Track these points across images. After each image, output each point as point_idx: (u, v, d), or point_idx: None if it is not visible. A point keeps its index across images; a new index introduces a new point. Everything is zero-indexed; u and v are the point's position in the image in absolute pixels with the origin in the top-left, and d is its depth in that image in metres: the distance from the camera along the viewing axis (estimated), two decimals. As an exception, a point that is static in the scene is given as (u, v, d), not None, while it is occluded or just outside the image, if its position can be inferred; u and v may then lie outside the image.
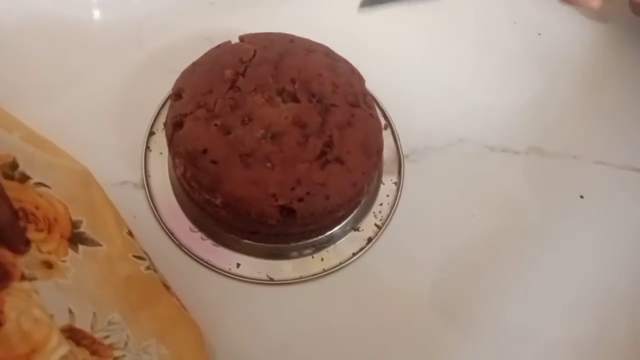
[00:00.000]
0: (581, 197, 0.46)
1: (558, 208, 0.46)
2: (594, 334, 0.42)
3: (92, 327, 0.30)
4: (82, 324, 0.30)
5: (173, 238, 0.41)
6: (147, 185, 0.43)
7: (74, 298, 0.31)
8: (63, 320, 0.29)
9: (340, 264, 0.42)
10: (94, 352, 0.29)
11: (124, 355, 0.31)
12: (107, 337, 0.31)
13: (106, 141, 0.44)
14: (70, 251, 0.34)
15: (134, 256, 0.37)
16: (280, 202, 0.37)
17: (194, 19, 0.50)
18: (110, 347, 0.30)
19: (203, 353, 0.35)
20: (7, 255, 0.28)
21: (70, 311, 0.30)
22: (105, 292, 0.33)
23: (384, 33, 0.51)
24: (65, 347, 0.27)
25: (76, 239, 0.35)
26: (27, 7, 0.48)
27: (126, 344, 0.31)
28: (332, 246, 0.43)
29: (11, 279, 0.28)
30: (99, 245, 0.35)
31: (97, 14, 0.50)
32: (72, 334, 0.29)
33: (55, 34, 0.48)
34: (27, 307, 0.27)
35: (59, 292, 0.30)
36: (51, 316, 0.28)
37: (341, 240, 0.43)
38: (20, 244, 0.30)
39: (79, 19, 0.49)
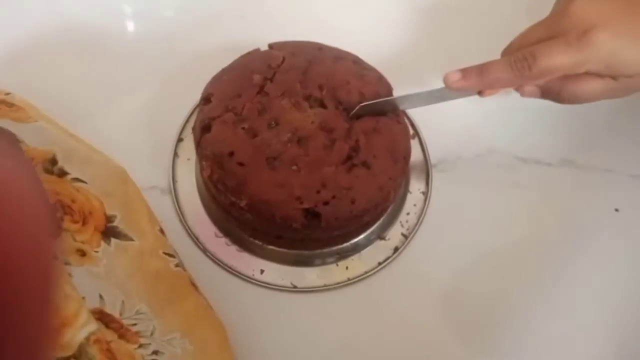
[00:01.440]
0: (616, 210, 0.47)
1: (591, 222, 0.46)
2: (625, 348, 0.42)
3: (120, 314, 0.32)
4: (111, 309, 0.32)
5: (198, 243, 0.43)
6: (174, 190, 0.45)
7: (104, 285, 0.33)
8: (93, 304, 0.31)
9: (366, 273, 0.43)
10: (121, 336, 0.31)
11: (149, 344, 0.32)
12: (134, 324, 0.33)
13: (135, 147, 0.47)
14: (103, 243, 0.36)
15: (165, 253, 0.39)
16: (306, 205, 0.39)
17: (224, 32, 0.53)
18: (137, 334, 0.32)
19: (227, 352, 0.37)
20: None
21: (100, 296, 0.32)
22: (134, 285, 0.35)
23: (413, 43, 0.53)
24: (94, 325, 0.29)
25: (109, 232, 0.37)
26: (63, 16, 0.52)
27: (152, 333, 0.33)
28: (357, 255, 0.44)
29: None
30: (131, 240, 0.38)
31: (130, 25, 0.54)
32: (102, 317, 0.31)
33: (90, 42, 0.52)
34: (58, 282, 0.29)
35: (90, 278, 0.33)
36: (82, 298, 0.30)
37: (366, 249, 0.44)
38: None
39: (113, 29, 0.53)
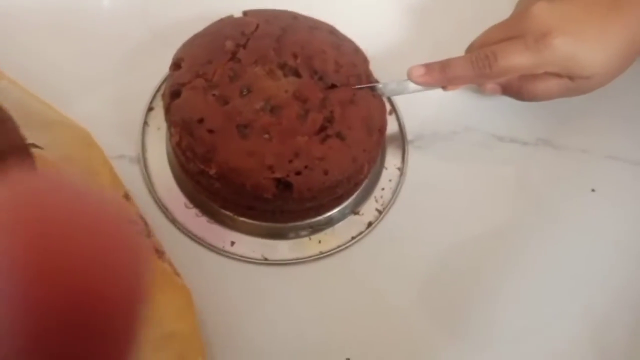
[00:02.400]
0: (592, 190, 0.46)
1: (567, 201, 0.46)
2: (601, 332, 0.42)
3: None
4: None
5: (167, 213, 0.42)
6: (143, 159, 0.44)
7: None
8: None
9: (338, 247, 0.42)
10: None
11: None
12: None
13: (105, 115, 0.45)
14: None
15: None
16: (277, 175, 0.38)
17: (200, 1, 0.51)
18: None
19: (187, 318, 0.36)
20: None
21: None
22: None
23: (392, 18, 0.53)
24: None
25: None
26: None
27: None
28: (330, 229, 0.43)
29: None
30: None
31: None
32: None
33: (62, 13, 0.50)
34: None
35: None
36: None
37: (340, 224, 0.43)
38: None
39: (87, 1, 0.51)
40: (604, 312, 0.43)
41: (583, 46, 0.39)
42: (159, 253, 0.38)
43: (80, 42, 0.49)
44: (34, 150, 0.36)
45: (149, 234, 0.39)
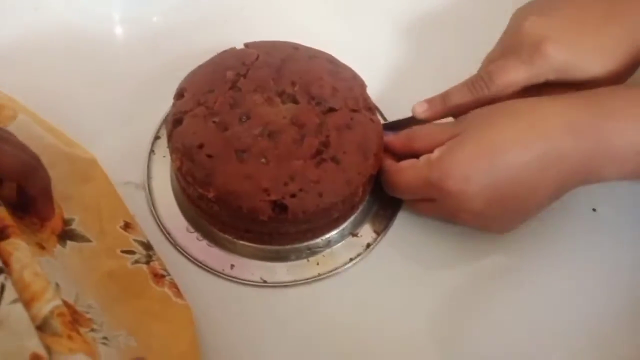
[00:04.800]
0: (594, 210, 0.46)
1: (569, 222, 0.46)
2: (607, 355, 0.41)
3: (75, 302, 0.33)
4: (67, 296, 0.33)
5: (169, 237, 0.43)
6: (148, 186, 0.46)
7: (61, 276, 0.34)
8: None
9: (336, 269, 0.43)
10: (74, 320, 0.31)
11: (100, 330, 0.33)
12: (87, 312, 0.33)
13: (114, 143, 0.48)
14: (58, 245, 0.38)
15: (123, 251, 0.39)
16: (273, 197, 0.39)
17: (208, 36, 0.54)
18: (90, 320, 0.33)
19: (189, 336, 0.36)
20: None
21: (57, 284, 0.33)
22: (86, 284, 0.36)
23: (392, 47, 0.54)
24: (59, 301, 0.30)
25: (66, 235, 0.38)
26: (54, 21, 0.54)
27: (102, 325, 0.33)
28: (328, 250, 0.44)
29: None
30: (89, 241, 0.39)
31: (118, 29, 0.56)
32: None
33: (77, 44, 0.53)
34: (29, 262, 0.31)
35: (49, 267, 0.33)
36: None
37: (338, 245, 0.44)
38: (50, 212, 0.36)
39: (102, 33, 0.54)
40: (608, 337, 0.42)
41: (578, 50, 0.39)
42: (158, 277, 0.39)
43: (94, 73, 0.52)
44: None
45: (149, 259, 0.40)
